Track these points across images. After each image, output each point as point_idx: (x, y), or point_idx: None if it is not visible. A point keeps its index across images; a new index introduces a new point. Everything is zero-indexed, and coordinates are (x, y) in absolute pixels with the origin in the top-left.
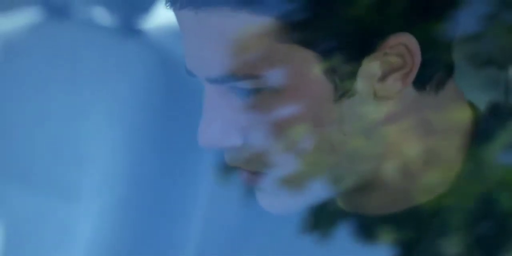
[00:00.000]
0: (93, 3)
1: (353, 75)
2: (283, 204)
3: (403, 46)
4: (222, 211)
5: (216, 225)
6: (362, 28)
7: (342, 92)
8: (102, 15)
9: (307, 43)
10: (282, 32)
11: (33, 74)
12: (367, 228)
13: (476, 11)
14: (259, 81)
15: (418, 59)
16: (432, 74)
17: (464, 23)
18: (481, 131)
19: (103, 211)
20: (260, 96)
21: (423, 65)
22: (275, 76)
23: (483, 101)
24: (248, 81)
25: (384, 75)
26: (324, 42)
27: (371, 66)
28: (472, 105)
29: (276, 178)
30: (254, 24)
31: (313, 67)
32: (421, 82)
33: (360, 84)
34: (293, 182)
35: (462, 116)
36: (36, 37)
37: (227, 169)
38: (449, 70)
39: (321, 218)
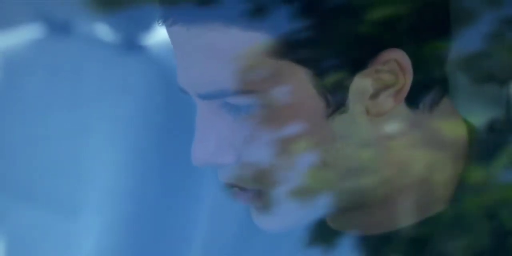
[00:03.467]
0: (94, 19)
1: (344, 91)
2: (279, 222)
3: (395, 62)
4: (224, 228)
5: (218, 242)
6: (355, 44)
7: (334, 108)
8: (103, 31)
9: (299, 60)
10: (274, 48)
11: (34, 91)
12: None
13: (479, 29)
14: (251, 97)
15: (410, 76)
16: (425, 92)
17: (466, 40)
18: (479, 148)
19: (105, 228)
20: (252, 113)
21: (416, 83)
22: (266, 92)
23: (484, 117)
24: (239, 96)
25: (376, 92)
26: (317, 59)
27: (363, 82)
28: (468, 123)
29: (272, 195)
30: (246, 40)
31: (305, 84)
32: (413, 100)
33: (352, 100)
34: (289, 200)
35: (457, 134)
36: (37, 53)
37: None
38: (443, 88)
39: (316, 238)
